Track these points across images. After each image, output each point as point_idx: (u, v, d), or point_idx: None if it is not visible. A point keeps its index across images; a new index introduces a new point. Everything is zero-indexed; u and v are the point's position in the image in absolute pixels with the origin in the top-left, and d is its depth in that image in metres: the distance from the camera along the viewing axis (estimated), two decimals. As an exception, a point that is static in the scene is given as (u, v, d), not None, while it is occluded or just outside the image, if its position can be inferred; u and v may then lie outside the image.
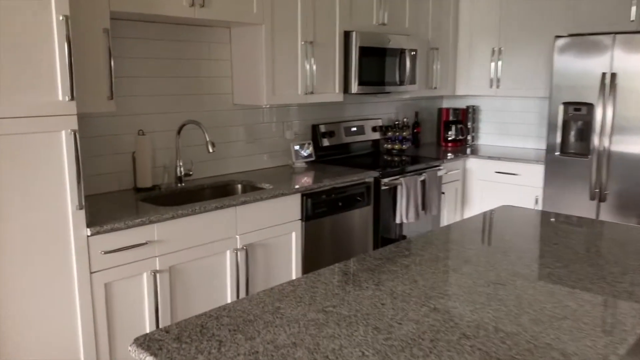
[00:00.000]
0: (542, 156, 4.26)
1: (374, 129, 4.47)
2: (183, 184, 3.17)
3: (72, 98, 2.18)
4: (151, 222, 2.48)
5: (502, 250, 1.98)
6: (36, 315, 2.20)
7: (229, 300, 2.89)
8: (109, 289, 2.40)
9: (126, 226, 2.39)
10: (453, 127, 5.00)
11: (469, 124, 5.07)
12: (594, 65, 3.68)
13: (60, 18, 2.12)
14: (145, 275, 2.51)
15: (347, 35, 3.73)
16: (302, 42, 3.45)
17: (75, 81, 2.22)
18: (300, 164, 3.82)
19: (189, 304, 2.72)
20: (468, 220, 2.41)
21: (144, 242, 2.48)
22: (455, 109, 5.01)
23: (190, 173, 3.23)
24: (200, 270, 2.74)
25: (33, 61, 2.08)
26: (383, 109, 4.67)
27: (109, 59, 2.57)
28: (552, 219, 2.43)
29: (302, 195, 3.19)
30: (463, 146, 5.00)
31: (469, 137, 5.09)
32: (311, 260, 3.31)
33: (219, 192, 3.31)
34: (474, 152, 4.62)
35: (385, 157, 4.32)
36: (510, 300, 1.54)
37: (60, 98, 2.16)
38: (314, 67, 3.53)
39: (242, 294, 2.93)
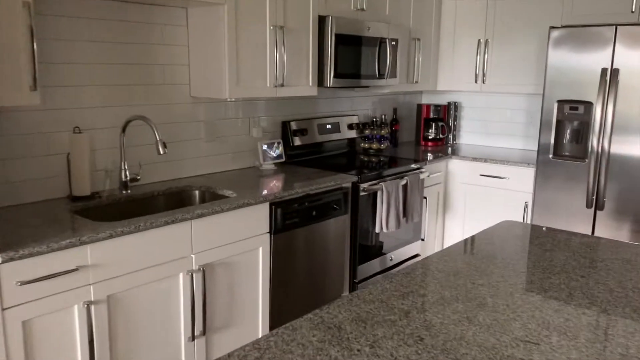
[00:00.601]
0: (532, 158, 3.92)
1: (350, 127, 4.05)
2: (129, 191, 2.69)
3: (-27, 88, 1.69)
4: (83, 243, 2.00)
5: (520, 286, 1.59)
6: None
7: (182, 333, 2.44)
8: (28, 328, 1.92)
9: (49, 249, 1.91)
10: (433, 125, 4.62)
11: (450, 122, 4.71)
12: (593, 60, 3.34)
13: (-45, -17, 1.62)
14: (76, 308, 2.04)
15: (321, 21, 3.29)
16: (271, 27, 2.99)
17: (-21, 66, 1.73)
18: (268, 166, 3.37)
19: (132, 340, 2.25)
20: (469, 241, 2.02)
21: (74, 268, 2.00)
22: (436, 106, 4.63)
23: (138, 178, 2.75)
24: (147, 298, 2.28)
25: None
26: (358, 105, 4.26)
27: (31, 41, 2.07)
28: (569, 240, 2.06)
29: (271, 205, 2.75)
30: (444, 146, 4.64)
31: (450, 136, 4.72)
32: (281, 279, 2.87)
33: (172, 200, 2.83)
34: (456, 152, 4.26)
35: (362, 157, 3.92)
36: (553, 372, 1.14)
37: (-43, 88, 1.67)
38: (285, 57, 3.08)
39: (199, 324, 2.48)
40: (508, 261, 1.81)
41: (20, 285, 1.87)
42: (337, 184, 3.10)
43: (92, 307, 2.08)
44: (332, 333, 1.29)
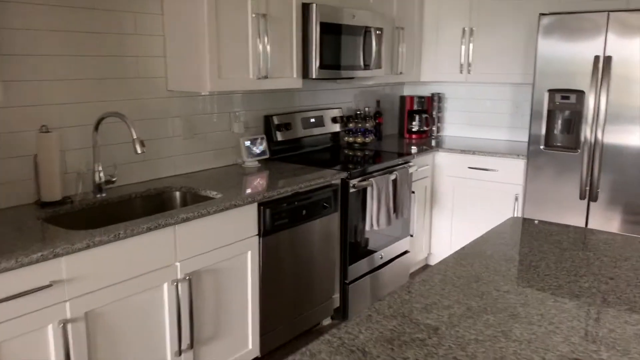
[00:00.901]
0: (520, 149, 3.83)
1: (334, 120, 3.89)
2: (104, 194, 2.47)
3: None
4: (56, 255, 1.79)
5: (549, 292, 1.46)
6: None
7: (168, 347, 2.24)
8: (-5, 353, 1.71)
9: (19, 264, 1.70)
10: (417, 117, 4.49)
11: (434, 114, 4.59)
12: (585, 47, 3.25)
13: None
14: (50, 328, 1.82)
15: (305, 9, 3.11)
16: (254, 15, 2.79)
17: None
18: (252, 163, 3.18)
19: (115, 359, 2.05)
20: (479, 242, 1.88)
21: (47, 283, 1.79)
22: (420, 97, 4.50)
23: (113, 180, 2.53)
24: (129, 312, 2.07)
25: None
26: (340, 97, 4.09)
27: (-10, 29, 1.84)
28: (584, 237, 1.94)
29: (259, 205, 2.57)
30: (428, 138, 4.52)
31: (434, 128, 4.60)
32: (270, 284, 2.70)
33: (151, 203, 2.62)
34: (441, 144, 4.14)
35: (348, 152, 3.76)
36: (615, 396, 1.01)
37: None
38: (268, 47, 2.89)
39: (186, 337, 2.28)
40: (528, 263, 1.68)
41: (-14, 306, 1.65)
42: (326, 181, 2.93)
43: (69, 326, 1.87)
44: (356, 358, 1.12)
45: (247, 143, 3.16)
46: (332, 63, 3.27)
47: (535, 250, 1.80)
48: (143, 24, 2.67)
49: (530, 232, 1.99)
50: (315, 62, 3.15)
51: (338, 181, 3.06)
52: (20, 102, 2.26)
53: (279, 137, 3.42)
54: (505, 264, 1.66)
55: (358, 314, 1.32)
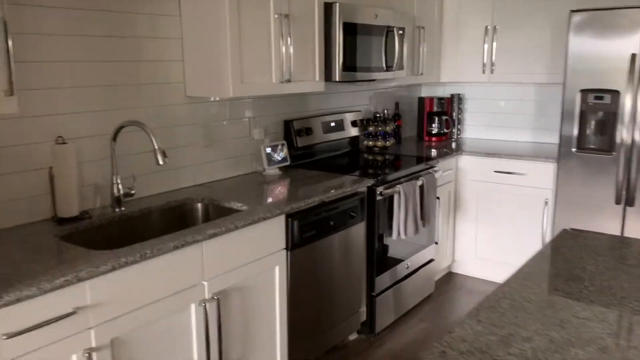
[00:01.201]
0: (547, 151, 3.69)
1: (354, 124, 3.74)
2: (123, 209, 2.32)
3: (-64, 96, 1.31)
4: (81, 279, 1.64)
5: (635, 319, 1.32)
6: None
7: (197, 372, 2.10)
8: (16, 389, 1.56)
9: (41, 291, 1.55)
10: (436, 119, 4.35)
11: (454, 115, 4.44)
12: (620, 45, 3.10)
13: None
14: (75, 358, 1.68)
15: (327, 8, 2.97)
16: (276, 16, 2.65)
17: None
18: (273, 171, 3.03)
19: (141, 387, 1.90)
20: (538, 259, 1.74)
21: (71, 311, 1.64)
22: (440, 99, 4.35)
23: (132, 192, 2.38)
24: (156, 336, 1.93)
25: None
26: (358, 100, 3.95)
27: (5, 36, 1.69)
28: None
29: (287, 217, 2.42)
30: (448, 141, 4.37)
31: (454, 130, 4.46)
32: (298, 299, 2.55)
33: (172, 216, 2.48)
34: (463, 147, 3.99)
35: (368, 156, 3.61)
36: None
37: None
38: (291, 49, 2.75)
39: (214, 360, 2.14)
40: (599, 283, 1.53)
41: (7, 338, 1.50)
42: (353, 189, 2.79)
43: (94, 355, 1.72)
44: (443, 407, 0.98)
45: (268, 150, 3.01)
46: (355, 65, 3.13)
47: (602, 267, 1.65)
48: (160, 26, 2.52)
49: (589, 247, 1.84)
50: (338, 64, 3.01)
51: (364, 189, 2.91)
52: (34, 112, 2.11)
53: (300, 142, 3.28)
54: (575, 285, 1.52)
55: (430, 351, 1.17)
